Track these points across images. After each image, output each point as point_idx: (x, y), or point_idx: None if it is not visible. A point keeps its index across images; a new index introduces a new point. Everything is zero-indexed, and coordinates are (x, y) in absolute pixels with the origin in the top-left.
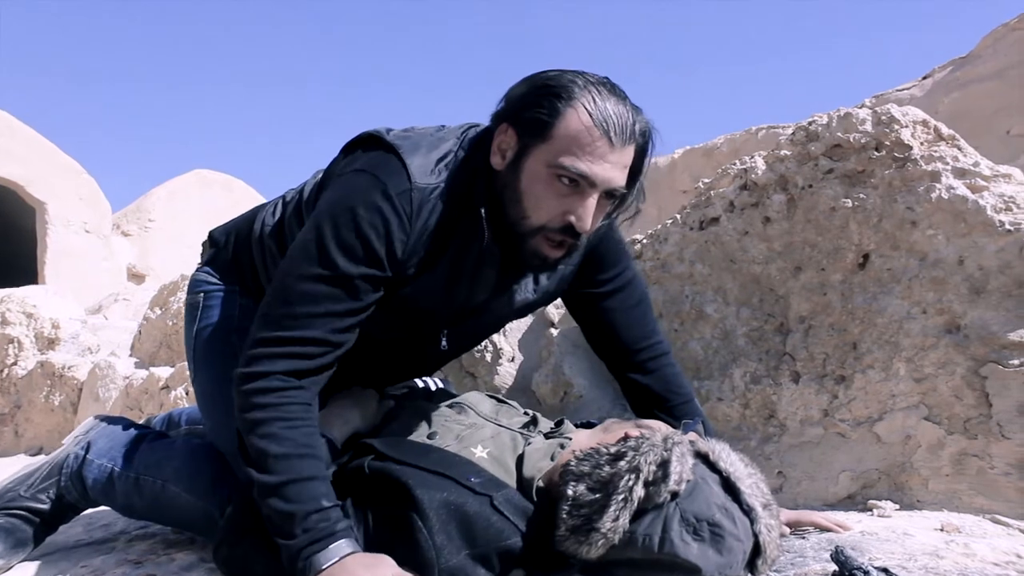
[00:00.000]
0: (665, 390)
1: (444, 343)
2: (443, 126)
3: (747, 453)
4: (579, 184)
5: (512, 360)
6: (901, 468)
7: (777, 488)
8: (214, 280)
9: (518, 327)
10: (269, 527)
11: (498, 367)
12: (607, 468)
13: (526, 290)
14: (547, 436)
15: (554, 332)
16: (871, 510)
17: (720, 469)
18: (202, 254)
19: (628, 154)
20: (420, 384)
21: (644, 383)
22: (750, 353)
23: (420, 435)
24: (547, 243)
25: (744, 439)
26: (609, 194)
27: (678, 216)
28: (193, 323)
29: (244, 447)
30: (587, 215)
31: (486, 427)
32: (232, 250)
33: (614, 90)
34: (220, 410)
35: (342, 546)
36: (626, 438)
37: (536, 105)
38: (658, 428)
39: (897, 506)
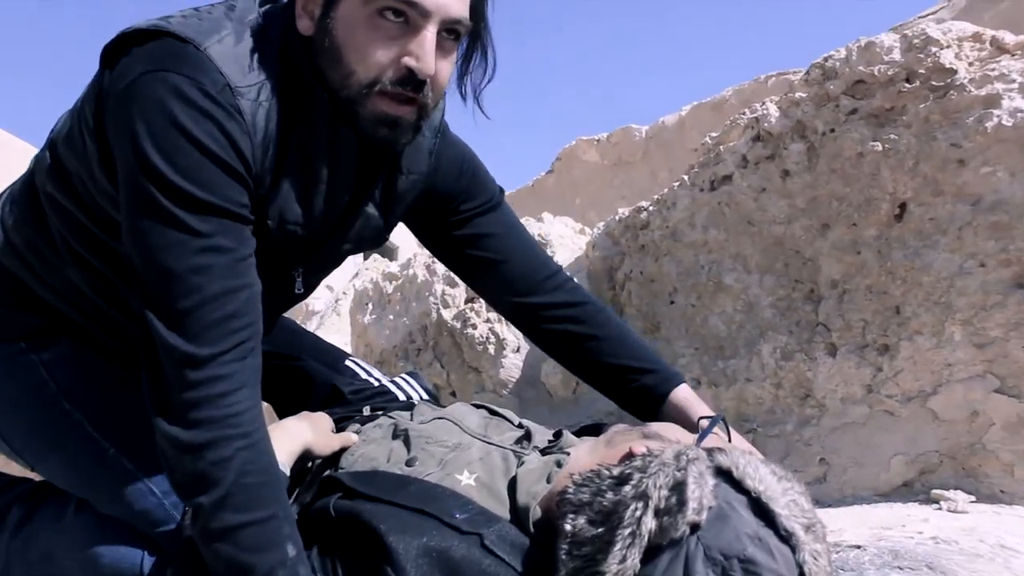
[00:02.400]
0: (618, 338)
1: (299, 286)
2: (208, 5)
3: (783, 439)
4: (407, 16)
5: (517, 351)
6: (970, 450)
7: (820, 478)
8: None
9: None
10: None
11: (502, 360)
12: (609, 495)
13: (375, 202)
14: (543, 452)
15: None
16: (937, 502)
17: (748, 488)
18: None
19: None
20: (400, 395)
21: (581, 331)
22: (779, 326)
23: (397, 462)
24: (389, 100)
25: (779, 423)
26: (450, 30)
27: (686, 177)
28: None
29: (178, 472)
30: (426, 54)
31: (473, 446)
32: None
33: None
34: (106, 485)
35: None
36: (630, 455)
37: None
38: (669, 437)
39: (972, 497)
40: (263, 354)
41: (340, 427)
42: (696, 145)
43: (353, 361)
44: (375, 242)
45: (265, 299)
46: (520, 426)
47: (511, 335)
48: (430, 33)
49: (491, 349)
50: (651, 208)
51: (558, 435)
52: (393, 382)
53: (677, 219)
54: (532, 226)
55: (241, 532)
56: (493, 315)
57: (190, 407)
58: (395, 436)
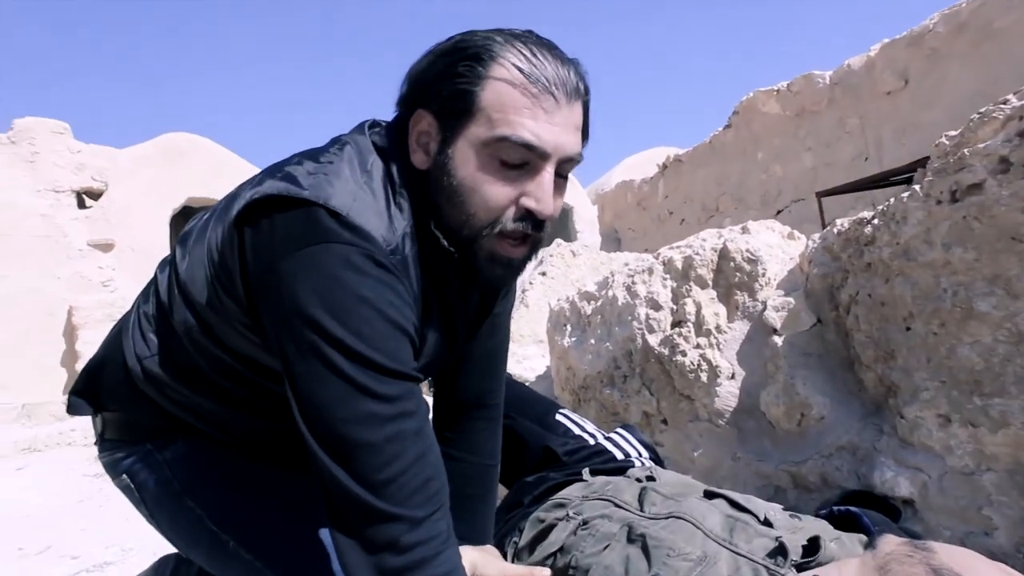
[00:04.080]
0: (470, 500)
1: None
2: (338, 141)
3: None
4: (528, 158)
5: (732, 377)
6: None
7: None
8: (123, 452)
9: (734, 338)
10: None
11: (716, 387)
12: None
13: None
14: (799, 568)
15: (778, 340)
16: None
17: None
18: (95, 429)
19: (577, 112)
20: (617, 453)
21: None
22: None
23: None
24: (506, 242)
25: None
26: (564, 164)
27: (917, 188)
28: (143, 506)
29: None
30: (546, 195)
31: (720, 559)
32: (118, 409)
33: (542, 41)
34: (235, 566)
35: None
36: None
37: (452, 76)
38: (969, 570)
39: None
40: None
41: (558, 492)
42: (889, 87)
43: (563, 415)
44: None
45: None
46: (767, 522)
47: (724, 361)
48: (548, 174)
49: (703, 376)
50: (876, 221)
51: (814, 545)
52: (609, 439)
53: (909, 235)
54: (737, 240)
55: None
56: (703, 340)
57: (406, 570)
58: (631, 540)
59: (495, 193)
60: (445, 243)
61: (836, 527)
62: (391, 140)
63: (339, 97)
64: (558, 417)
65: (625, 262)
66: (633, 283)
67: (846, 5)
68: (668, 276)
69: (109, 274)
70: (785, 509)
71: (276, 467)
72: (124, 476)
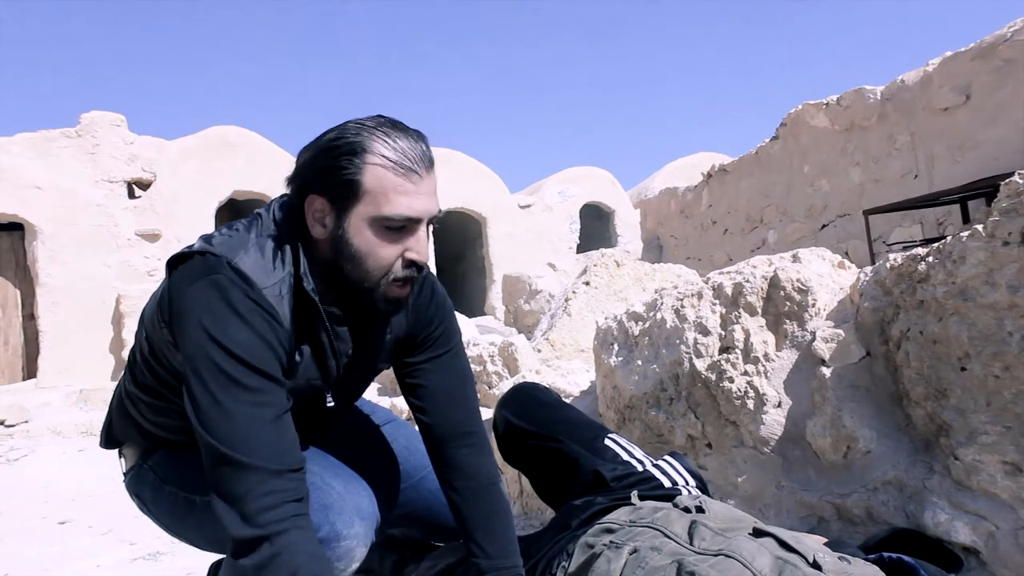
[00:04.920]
0: (483, 519)
1: (330, 400)
2: (256, 215)
3: None
4: (406, 224)
5: (779, 406)
6: None
7: None
8: (130, 477)
9: (781, 367)
10: None
11: (763, 415)
12: None
13: (389, 330)
14: None
15: (826, 371)
16: None
17: None
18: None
19: (434, 178)
20: (665, 481)
21: (457, 500)
22: None
23: None
24: (394, 286)
25: None
26: (431, 222)
27: (979, 227)
28: (149, 512)
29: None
30: (422, 247)
31: None
32: (122, 440)
33: (396, 124)
34: (206, 523)
35: None
36: None
37: (335, 168)
38: None
39: None
40: (517, 431)
41: (605, 515)
42: (946, 103)
43: (613, 439)
44: (388, 357)
45: (304, 415)
46: (816, 565)
47: (771, 389)
48: (422, 232)
49: (750, 403)
50: (930, 259)
51: None
52: (657, 466)
53: (967, 275)
54: (788, 268)
55: None
56: (751, 367)
57: (260, 513)
58: None
59: (385, 253)
60: (316, 298)
61: (888, 574)
62: (290, 215)
63: (385, 95)
64: (607, 442)
65: (674, 284)
66: (682, 307)
67: (900, 20)
68: (717, 302)
69: (155, 264)
70: (829, 543)
71: None
72: (134, 496)
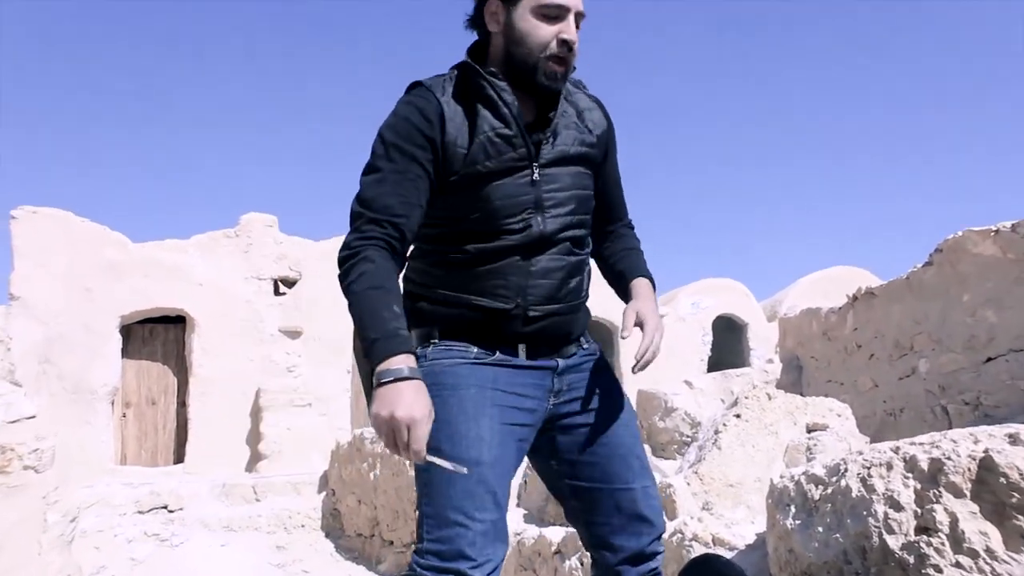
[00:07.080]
0: (622, 250)
1: (536, 174)
2: None
3: None
4: (559, 12)
5: None
6: None
7: None
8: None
9: (1020, 571)
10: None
11: None
12: None
13: (579, 129)
14: None
15: None
16: None
17: None
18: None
19: None
20: None
21: (613, 245)
22: None
23: None
24: (551, 62)
25: None
26: (579, 15)
27: None
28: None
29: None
30: (572, 31)
31: None
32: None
33: None
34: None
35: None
36: None
37: None
38: None
39: None
40: None
41: None
42: None
43: None
44: (583, 144)
45: (512, 188)
46: None
47: None
48: (571, 20)
49: None
50: None
51: None
52: None
53: None
54: (1007, 452)
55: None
56: (968, 560)
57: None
58: None
59: (543, 33)
60: (470, 60)
61: None
62: (468, 52)
63: None
64: None
65: (859, 451)
66: (869, 476)
67: None
68: (910, 475)
69: (295, 360)
70: None
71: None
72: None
